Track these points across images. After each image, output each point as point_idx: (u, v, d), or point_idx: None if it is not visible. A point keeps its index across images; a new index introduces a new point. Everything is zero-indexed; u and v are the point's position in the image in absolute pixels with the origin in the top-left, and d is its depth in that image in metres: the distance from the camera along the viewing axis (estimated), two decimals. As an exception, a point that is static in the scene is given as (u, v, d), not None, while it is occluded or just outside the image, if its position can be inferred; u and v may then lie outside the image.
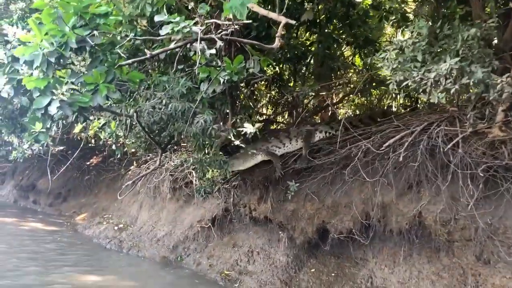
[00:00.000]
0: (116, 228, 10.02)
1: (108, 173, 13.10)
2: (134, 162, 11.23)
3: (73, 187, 13.88)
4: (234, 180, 7.75)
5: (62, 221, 12.10)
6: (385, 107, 9.60)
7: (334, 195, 6.37)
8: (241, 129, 5.74)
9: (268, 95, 9.21)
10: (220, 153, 6.21)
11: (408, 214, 5.31)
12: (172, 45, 4.63)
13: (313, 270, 6.49)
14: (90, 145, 13.52)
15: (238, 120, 6.57)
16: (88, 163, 14.10)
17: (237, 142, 5.88)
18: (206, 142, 5.81)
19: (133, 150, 9.20)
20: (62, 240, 9.77)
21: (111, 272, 7.54)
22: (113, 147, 7.66)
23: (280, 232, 6.97)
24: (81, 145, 10.75)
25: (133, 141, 6.86)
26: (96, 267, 7.73)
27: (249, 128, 5.41)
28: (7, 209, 13.89)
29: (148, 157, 10.04)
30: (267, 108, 10.44)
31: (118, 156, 8.46)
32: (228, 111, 6.84)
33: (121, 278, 7.24)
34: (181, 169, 8.49)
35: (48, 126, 4.57)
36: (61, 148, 13.65)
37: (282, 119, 9.20)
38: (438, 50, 4.47)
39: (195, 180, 7.42)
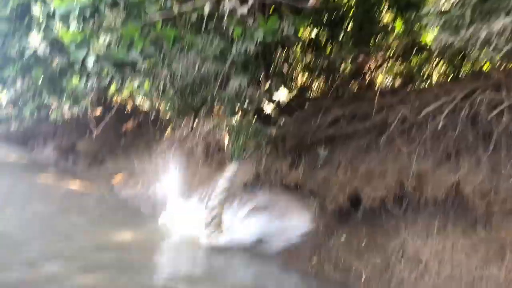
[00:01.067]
0: (149, 190, 10.21)
1: (144, 137, 13.34)
2: (169, 127, 11.35)
3: (110, 150, 14.20)
4: (266, 146, 7.68)
5: (99, 183, 12.45)
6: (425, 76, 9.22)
7: (368, 163, 6.20)
8: (274, 97, 5.63)
9: (303, 60, 8.96)
10: (254, 119, 6.13)
11: (445, 185, 5.11)
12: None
13: (343, 239, 6.42)
14: (126, 109, 13.78)
15: (271, 86, 6.44)
16: (124, 126, 14.36)
17: (269, 110, 5.78)
18: (239, 107, 5.73)
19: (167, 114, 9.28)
20: (99, 201, 10.06)
21: (144, 231, 7.71)
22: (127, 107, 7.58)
23: (310, 200, 6.90)
24: (117, 108, 10.98)
25: (168, 104, 6.85)
26: (130, 227, 7.91)
27: (282, 96, 5.28)
28: (48, 170, 14.42)
29: (183, 122, 10.10)
30: (302, 74, 10.21)
31: (152, 118, 8.50)
32: (261, 76, 6.71)
33: (153, 239, 7.40)
34: (214, 134, 8.49)
35: (85, 82, 4.60)
36: (99, 111, 13.96)
37: (317, 87, 8.97)
38: (489, 8, 4.14)
39: (227, 146, 7.41)
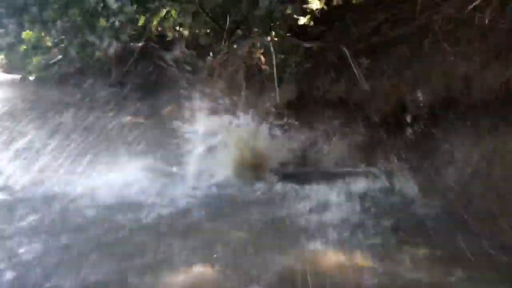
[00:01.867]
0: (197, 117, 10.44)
1: (188, 65, 13.39)
2: (211, 53, 11.27)
3: (158, 81, 14.43)
4: (307, 62, 7.51)
5: (151, 114, 12.83)
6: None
7: (413, 70, 5.95)
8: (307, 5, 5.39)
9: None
10: (288, 34, 5.94)
11: (494, 85, 4.84)
12: None
13: (391, 149, 6.36)
14: (168, 39, 13.73)
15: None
16: (168, 56, 14.43)
17: (303, 21, 5.57)
18: (271, 25, 5.56)
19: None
20: (150, 131, 10.40)
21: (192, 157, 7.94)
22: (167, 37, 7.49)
23: (355, 113, 6.81)
24: (159, 39, 10.92)
25: (202, 29, 6.76)
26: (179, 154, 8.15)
27: (315, 3, 5.05)
28: (102, 106, 14.95)
29: (222, 46, 9.99)
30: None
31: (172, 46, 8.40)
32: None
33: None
34: (253, 56, 8.37)
35: (111, 21, 4.59)
36: (142, 44, 14.04)
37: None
38: None
39: (264, 67, 7.31)
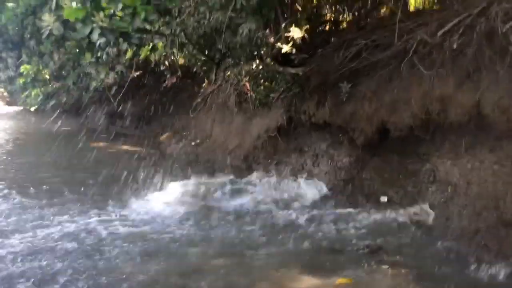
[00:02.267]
0: (193, 144, 10.67)
1: (184, 93, 13.69)
2: (206, 80, 11.55)
3: (154, 110, 14.70)
4: (294, 87, 7.73)
5: (147, 142, 13.04)
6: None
7: (392, 93, 6.13)
8: (291, 37, 5.63)
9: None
10: (270, 62, 6.17)
11: (467, 105, 5.03)
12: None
13: (375, 169, 6.53)
14: (163, 68, 14.06)
15: (287, 25, 6.37)
16: (164, 85, 14.73)
17: (286, 49, 5.80)
18: (254, 53, 5.79)
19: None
20: (147, 158, 10.60)
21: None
22: (161, 67, 7.81)
23: (340, 135, 6.99)
24: (153, 68, 11.18)
25: (190, 59, 7.02)
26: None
27: (296, 32, 5.28)
28: (100, 135, 15.23)
29: (215, 74, 10.28)
30: (329, 8, 9.90)
31: (168, 75, 8.66)
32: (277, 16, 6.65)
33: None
34: (240, 83, 8.63)
35: (98, 55, 4.82)
36: (138, 73, 14.37)
37: (338, 19, 8.70)
38: None
39: (250, 92, 7.53)
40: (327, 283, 4.05)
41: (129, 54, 6.89)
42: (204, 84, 11.61)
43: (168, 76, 14.92)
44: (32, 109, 15.65)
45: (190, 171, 8.11)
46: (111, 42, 4.63)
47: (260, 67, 6.14)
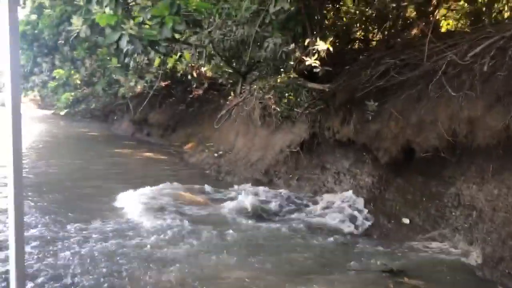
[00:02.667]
0: (215, 155, 10.69)
1: (210, 104, 13.81)
2: (232, 92, 11.64)
3: (180, 119, 14.89)
4: (319, 103, 7.70)
5: (171, 151, 13.18)
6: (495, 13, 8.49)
7: (419, 113, 6.03)
8: (313, 47, 5.61)
9: (354, 12, 8.69)
10: (296, 76, 6.15)
11: (496, 128, 4.89)
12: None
13: (398, 190, 6.40)
14: (190, 78, 14.24)
15: (315, 41, 6.36)
16: (191, 95, 14.91)
17: (310, 62, 5.77)
18: (280, 66, 5.80)
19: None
20: (171, 168, 10.70)
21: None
22: (189, 77, 7.94)
23: (364, 153, 6.90)
24: (182, 79, 11.30)
25: (217, 70, 7.08)
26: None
27: (321, 45, 5.26)
28: (126, 141, 15.47)
29: (241, 86, 10.34)
30: (358, 27, 9.88)
31: (195, 86, 8.77)
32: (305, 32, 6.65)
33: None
34: (267, 96, 8.64)
35: (125, 61, 4.90)
36: (166, 83, 14.59)
37: (372, 36, 8.65)
38: None
39: (273, 106, 7.51)
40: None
41: (157, 62, 6.97)
42: (230, 97, 11.69)
43: (194, 87, 15.15)
44: (62, 113, 16.03)
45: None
46: (140, 50, 4.70)
47: (285, 79, 6.12)
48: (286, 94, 6.39)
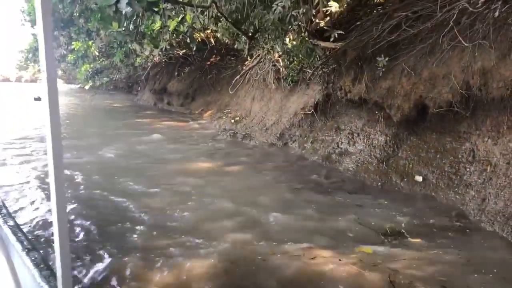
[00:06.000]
0: (232, 121, 10.69)
1: (227, 70, 13.72)
2: (248, 57, 11.51)
3: (198, 87, 14.90)
4: (331, 62, 7.50)
5: (191, 118, 13.25)
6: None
7: (432, 67, 5.79)
8: (325, 8, 5.42)
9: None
10: (307, 38, 5.97)
11: (510, 78, 4.65)
12: None
13: (411, 147, 6.24)
14: (209, 45, 14.14)
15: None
16: (208, 63, 14.84)
17: (322, 24, 5.59)
18: (289, 28, 5.63)
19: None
20: (190, 134, 10.76)
21: (225, 158, 8.08)
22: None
23: (377, 112, 6.73)
24: (199, 46, 11.20)
25: (225, 32, 6.96)
26: (213, 155, 8.34)
27: (333, 6, 5.08)
28: (147, 111, 15.64)
29: (254, 51, 10.18)
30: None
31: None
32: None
33: (231, 163, 7.80)
34: (273, 58, 8.48)
35: (125, 24, 4.85)
36: (182, 51, 14.53)
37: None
38: None
39: (282, 69, 7.36)
40: (348, 252, 3.94)
41: (157, 25, 6.83)
42: (246, 62, 11.56)
43: (212, 54, 15.05)
44: (87, 87, 16.30)
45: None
46: (140, 12, 4.63)
47: (294, 42, 5.95)
48: (295, 57, 6.21)
